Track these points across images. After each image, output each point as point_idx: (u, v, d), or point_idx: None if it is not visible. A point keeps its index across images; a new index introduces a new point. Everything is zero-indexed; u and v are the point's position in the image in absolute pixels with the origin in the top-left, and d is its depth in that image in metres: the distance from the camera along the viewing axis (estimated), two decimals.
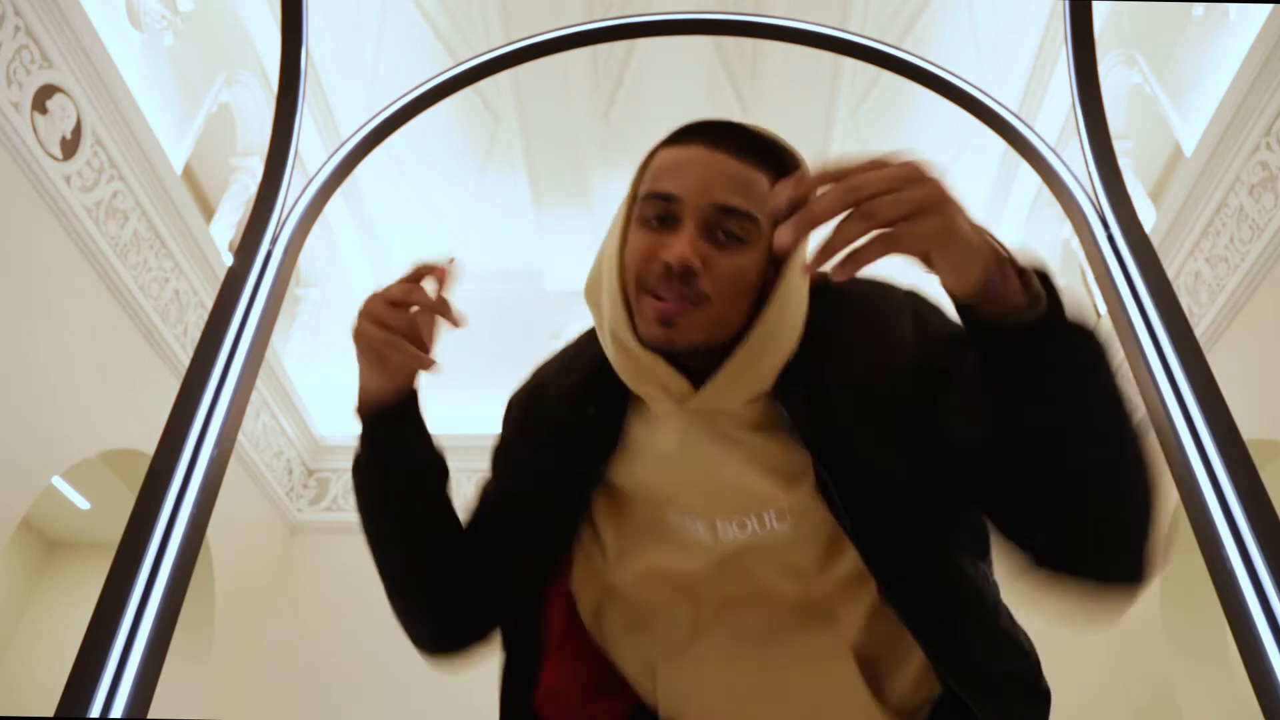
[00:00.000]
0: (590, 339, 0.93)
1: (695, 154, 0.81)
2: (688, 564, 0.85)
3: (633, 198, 0.84)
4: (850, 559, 0.82)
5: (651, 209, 0.80)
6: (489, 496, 0.97)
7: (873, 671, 0.81)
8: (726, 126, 0.83)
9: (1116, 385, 0.71)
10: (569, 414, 0.89)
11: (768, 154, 0.82)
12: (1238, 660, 1.53)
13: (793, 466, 0.82)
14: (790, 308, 0.82)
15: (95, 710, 1.40)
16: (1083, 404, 0.70)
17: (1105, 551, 0.74)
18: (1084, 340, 0.69)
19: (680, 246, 0.77)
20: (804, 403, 0.82)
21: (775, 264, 0.81)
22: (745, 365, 0.80)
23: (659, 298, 0.78)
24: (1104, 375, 0.70)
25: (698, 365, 0.82)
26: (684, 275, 0.77)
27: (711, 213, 0.78)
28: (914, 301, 0.88)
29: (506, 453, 0.98)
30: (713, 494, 0.82)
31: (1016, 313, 0.68)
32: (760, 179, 0.80)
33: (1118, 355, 0.69)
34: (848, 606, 0.84)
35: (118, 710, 1.42)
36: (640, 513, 0.87)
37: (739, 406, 0.83)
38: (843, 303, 0.87)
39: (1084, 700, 4.62)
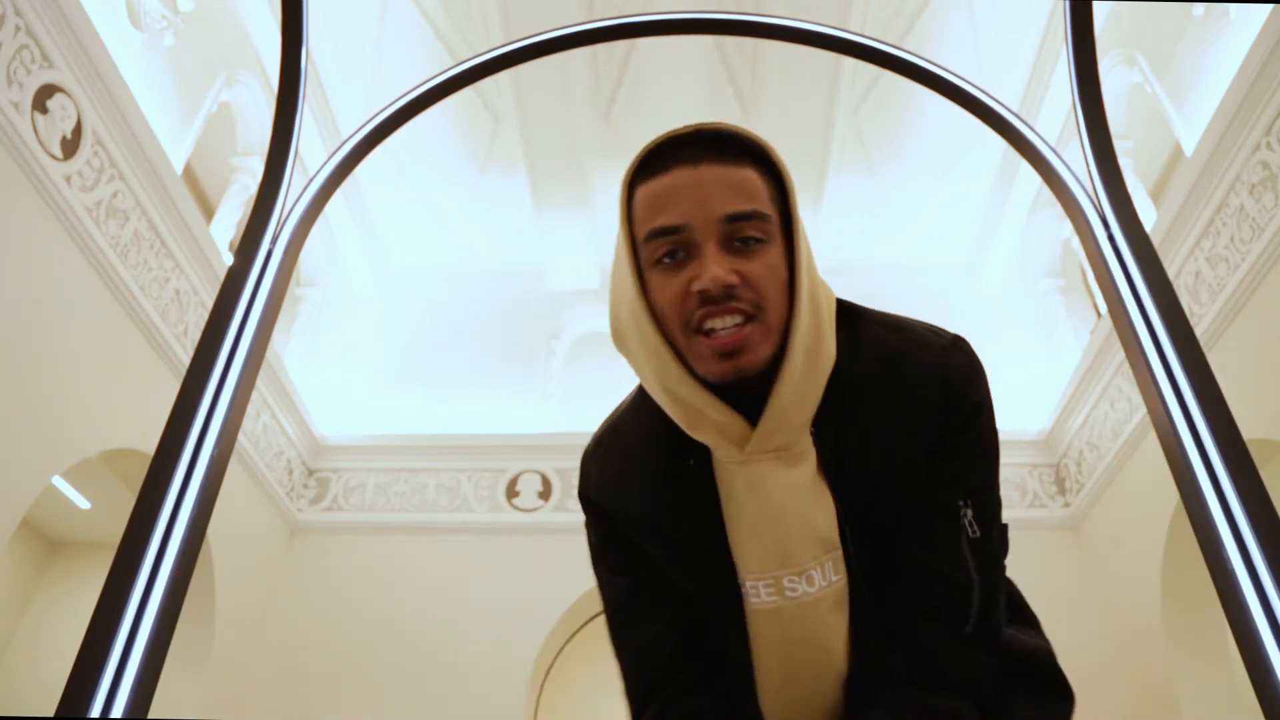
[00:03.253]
0: (643, 395, 0.90)
1: (681, 177, 0.78)
2: (755, 632, 0.83)
3: (630, 239, 0.81)
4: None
5: (662, 248, 0.78)
6: (654, 608, 0.89)
7: None
8: (695, 136, 0.81)
9: None
10: (671, 474, 0.85)
11: (744, 148, 0.81)
12: (1238, 659, 1.53)
13: (835, 513, 0.82)
14: (820, 301, 0.81)
15: (95, 710, 1.40)
16: None
17: None
18: None
19: (710, 270, 0.75)
20: (833, 446, 0.82)
21: (792, 254, 0.80)
22: (792, 384, 0.78)
23: (709, 333, 0.76)
24: None
25: (749, 403, 0.80)
26: (725, 295, 0.75)
27: (724, 227, 0.77)
28: (947, 363, 0.83)
29: (627, 546, 0.91)
30: (782, 545, 0.80)
31: None
32: (749, 173, 0.79)
33: None
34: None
35: (118, 710, 1.42)
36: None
37: (796, 437, 0.80)
38: (874, 344, 0.84)
39: (1084, 699, 4.61)
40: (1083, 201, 2.10)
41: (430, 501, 5.63)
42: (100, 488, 5.84)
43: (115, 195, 3.67)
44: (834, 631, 0.81)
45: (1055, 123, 5.10)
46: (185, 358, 4.06)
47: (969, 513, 0.80)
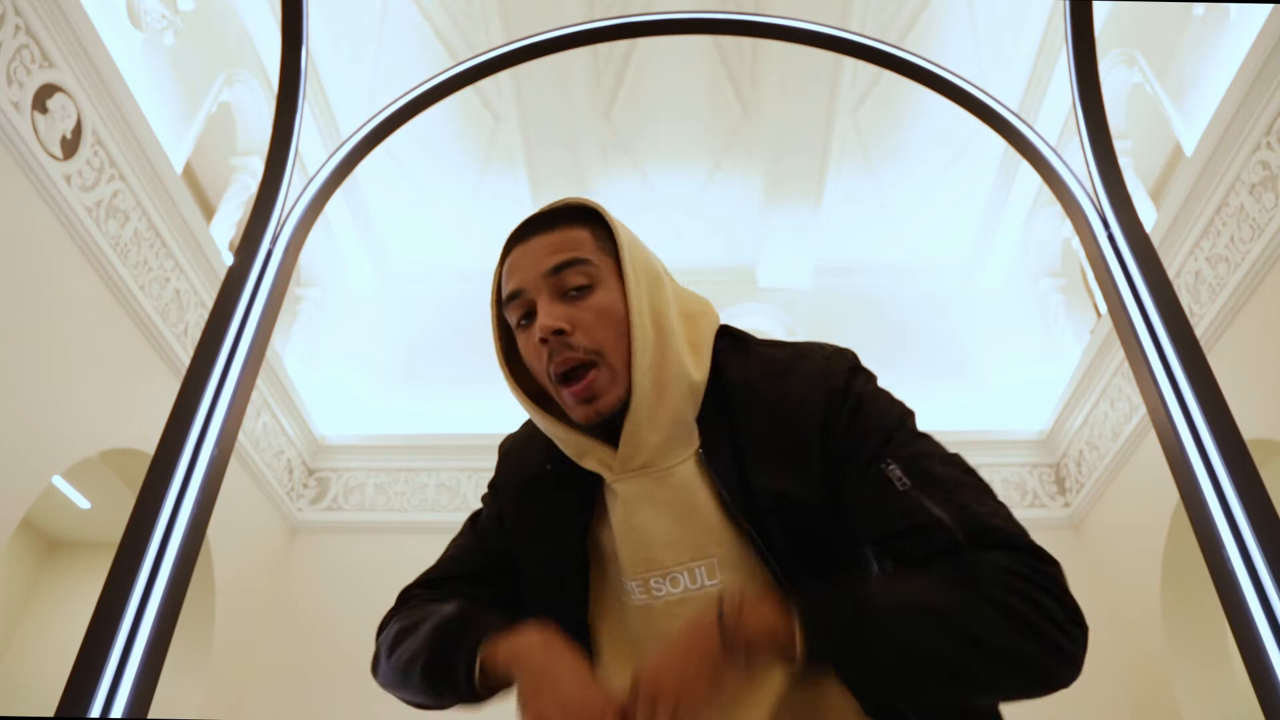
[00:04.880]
0: None
1: (517, 253, 0.92)
2: (631, 626, 0.89)
3: (497, 314, 0.96)
4: None
5: (513, 313, 0.91)
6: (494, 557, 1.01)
7: None
8: (531, 220, 0.94)
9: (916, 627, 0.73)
10: (557, 474, 0.96)
11: (572, 214, 0.92)
12: (1238, 660, 1.53)
13: (722, 521, 0.87)
14: (669, 329, 0.89)
15: (95, 710, 1.40)
16: (919, 655, 0.73)
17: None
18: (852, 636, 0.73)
19: (541, 319, 0.86)
20: (728, 458, 0.88)
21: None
22: (644, 411, 0.86)
23: (566, 380, 0.87)
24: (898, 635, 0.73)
25: (619, 432, 0.88)
26: (560, 341, 0.85)
27: (550, 279, 0.88)
28: (827, 366, 0.91)
29: (498, 518, 1.02)
30: (645, 552, 0.87)
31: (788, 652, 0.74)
32: (572, 232, 0.90)
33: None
34: (770, 675, 0.83)
35: (118, 710, 1.42)
36: (609, 575, 0.93)
37: (659, 456, 0.88)
38: (761, 359, 0.93)
39: (1084, 699, 4.62)
40: (1083, 201, 2.10)
41: (430, 501, 5.63)
42: (100, 488, 5.84)
43: (115, 195, 3.67)
44: None
45: (1055, 123, 5.10)
46: (185, 358, 4.06)
47: (895, 470, 0.82)
